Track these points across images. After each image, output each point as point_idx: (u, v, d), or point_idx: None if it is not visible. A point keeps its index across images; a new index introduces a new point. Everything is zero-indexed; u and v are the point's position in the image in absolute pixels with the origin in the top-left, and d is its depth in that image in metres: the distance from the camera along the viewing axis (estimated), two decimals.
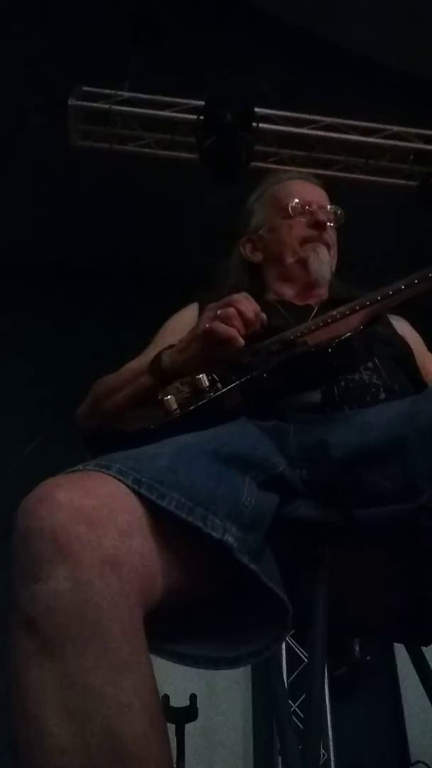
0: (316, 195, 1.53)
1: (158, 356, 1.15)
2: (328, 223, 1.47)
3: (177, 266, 3.88)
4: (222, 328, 1.07)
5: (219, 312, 1.09)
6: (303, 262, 1.43)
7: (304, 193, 1.51)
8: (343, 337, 1.01)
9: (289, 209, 1.47)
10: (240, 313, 1.09)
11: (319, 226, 1.45)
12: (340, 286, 1.50)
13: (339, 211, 1.51)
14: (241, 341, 1.07)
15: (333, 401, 1.16)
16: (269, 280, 1.48)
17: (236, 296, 1.12)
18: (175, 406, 1.02)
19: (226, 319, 1.08)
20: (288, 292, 1.45)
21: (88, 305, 4.32)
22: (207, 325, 1.08)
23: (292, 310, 1.33)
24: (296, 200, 1.48)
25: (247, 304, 1.11)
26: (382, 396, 1.18)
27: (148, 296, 3.75)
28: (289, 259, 1.44)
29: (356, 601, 1.09)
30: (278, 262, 1.47)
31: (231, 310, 1.08)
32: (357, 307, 1.09)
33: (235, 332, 1.07)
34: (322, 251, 1.44)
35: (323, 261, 1.43)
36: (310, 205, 1.48)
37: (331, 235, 1.48)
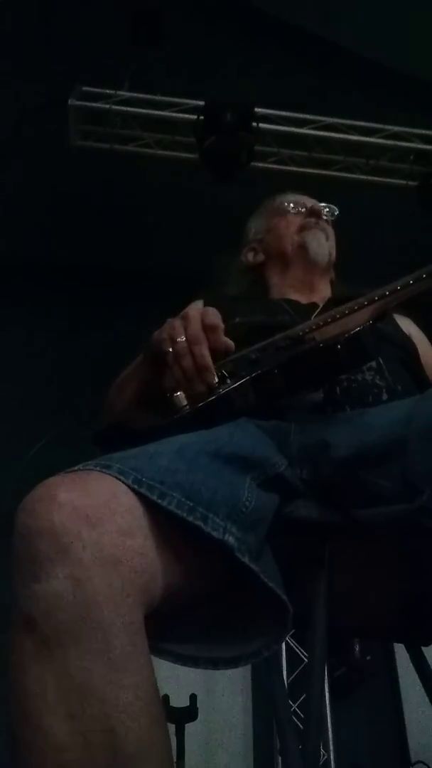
0: (309, 198, 1.58)
1: (149, 340, 1.12)
2: (324, 215, 1.52)
3: (180, 266, 3.89)
4: (173, 370, 1.01)
5: (179, 340, 1.02)
6: (302, 246, 1.47)
7: (297, 197, 1.58)
8: (352, 332, 1.01)
9: (284, 205, 1.53)
10: (193, 356, 1.01)
11: (314, 214, 1.51)
12: (344, 285, 1.51)
13: (333, 208, 1.55)
14: (184, 389, 1.01)
15: (335, 401, 1.16)
16: (272, 278, 1.50)
17: (199, 333, 1.02)
18: (185, 402, 1.03)
19: (178, 357, 1.02)
20: (290, 284, 1.46)
21: (90, 305, 4.32)
22: (169, 354, 1.02)
23: (298, 308, 1.33)
24: (291, 198, 1.55)
25: (203, 349, 1.01)
26: (385, 397, 1.18)
27: (151, 295, 3.75)
28: (289, 247, 1.49)
29: (356, 601, 1.09)
30: (279, 255, 1.51)
31: (184, 347, 1.01)
32: (365, 303, 1.10)
33: (180, 377, 1.01)
34: (320, 235, 1.49)
35: (321, 243, 1.48)
36: (303, 204, 1.54)
37: (327, 227, 1.52)
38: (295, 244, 1.48)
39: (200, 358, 1.01)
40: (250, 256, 1.57)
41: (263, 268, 1.54)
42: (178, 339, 1.03)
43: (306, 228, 1.49)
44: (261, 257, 1.55)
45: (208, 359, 1.01)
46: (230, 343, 1.04)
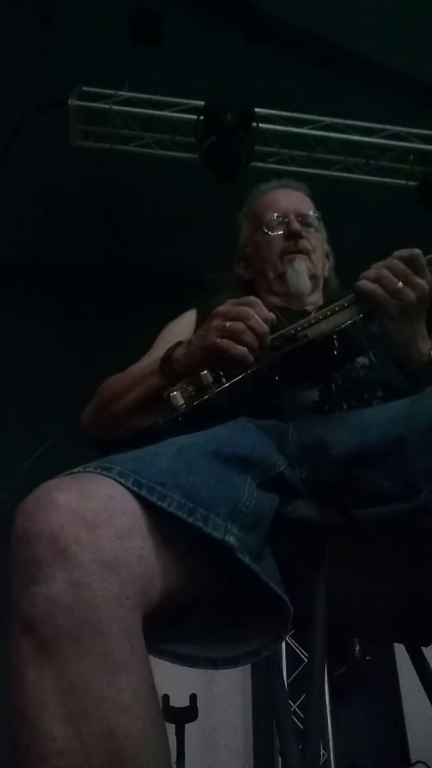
0: (293, 203, 1.52)
1: (169, 357, 1.14)
2: (304, 231, 1.47)
3: (176, 267, 3.89)
4: (233, 350, 1.04)
5: (228, 325, 1.06)
6: (281, 277, 1.45)
7: (279, 203, 1.52)
8: (343, 326, 1.02)
9: (264, 226, 1.49)
10: (251, 329, 1.05)
11: (293, 236, 1.46)
12: (338, 288, 1.51)
13: (317, 214, 1.52)
14: (251, 359, 1.04)
15: (331, 399, 1.17)
16: (261, 291, 1.50)
17: (245, 309, 1.08)
18: (181, 401, 1.03)
19: (235, 336, 1.05)
20: (278, 302, 1.45)
21: (91, 306, 4.31)
22: (217, 341, 1.05)
23: (290, 315, 1.33)
24: (272, 214, 1.49)
25: (257, 319, 1.07)
26: (380, 393, 1.19)
27: (147, 296, 3.75)
28: (271, 275, 1.46)
29: (356, 601, 1.09)
30: (263, 278, 1.49)
31: (240, 325, 1.06)
32: (354, 299, 1.11)
33: (245, 352, 1.04)
34: (299, 263, 1.44)
35: (300, 273, 1.44)
36: (285, 216, 1.48)
37: (310, 241, 1.48)
38: (276, 272, 1.45)
39: (260, 327, 1.06)
40: (241, 268, 1.56)
41: (253, 282, 1.54)
42: (227, 325, 1.06)
43: (285, 253, 1.45)
44: (249, 274, 1.54)
45: (266, 327, 1.07)
46: (271, 314, 1.10)
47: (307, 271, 1.45)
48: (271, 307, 1.36)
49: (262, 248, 1.49)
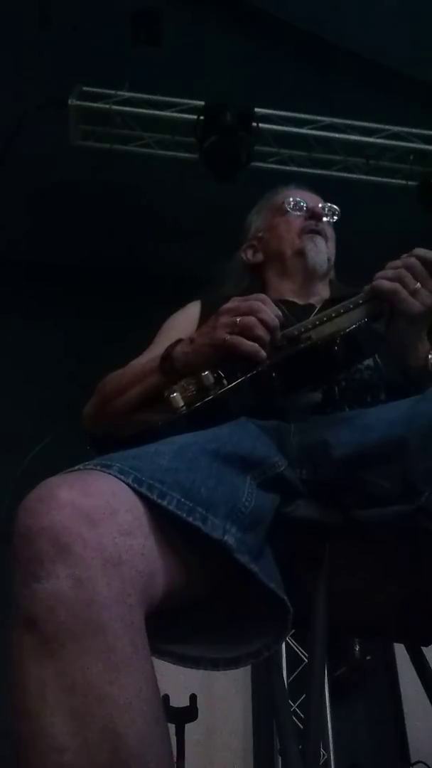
0: (311, 196, 1.57)
1: (170, 355, 1.13)
2: (324, 217, 1.51)
3: (176, 267, 3.89)
4: (244, 346, 1.03)
5: (239, 320, 1.05)
6: (301, 253, 1.46)
7: (299, 194, 1.56)
8: (347, 330, 1.02)
9: (286, 206, 1.52)
10: (262, 322, 1.05)
11: (315, 216, 1.49)
12: (342, 286, 1.51)
13: (335, 208, 1.54)
14: (264, 355, 1.03)
15: (334, 401, 1.17)
16: (270, 278, 1.50)
17: (255, 303, 1.07)
18: (181, 403, 1.03)
19: (246, 331, 1.04)
20: (289, 287, 1.46)
21: (90, 306, 4.31)
22: (227, 338, 1.04)
23: (295, 309, 1.33)
24: (292, 199, 1.53)
25: (268, 312, 1.06)
26: (383, 396, 1.19)
27: (147, 296, 3.75)
28: (288, 252, 1.48)
29: (356, 601, 1.09)
30: (278, 258, 1.50)
31: (252, 319, 1.04)
32: (360, 301, 1.10)
33: (257, 347, 1.03)
34: (319, 241, 1.47)
35: (320, 251, 1.46)
36: (306, 202, 1.52)
37: (327, 228, 1.51)
38: (295, 248, 1.47)
39: (272, 321, 1.05)
40: (250, 254, 1.56)
41: (262, 267, 1.54)
42: (238, 320, 1.05)
43: (305, 232, 1.48)
44: (260, 257, 1.54)
45: (277, 321, 1.06)
46: (279, 313, 1.09)
47: (326, 251, 1.47)
48: (276, 302, 1.37)
49: (281, 228, 1.51)
